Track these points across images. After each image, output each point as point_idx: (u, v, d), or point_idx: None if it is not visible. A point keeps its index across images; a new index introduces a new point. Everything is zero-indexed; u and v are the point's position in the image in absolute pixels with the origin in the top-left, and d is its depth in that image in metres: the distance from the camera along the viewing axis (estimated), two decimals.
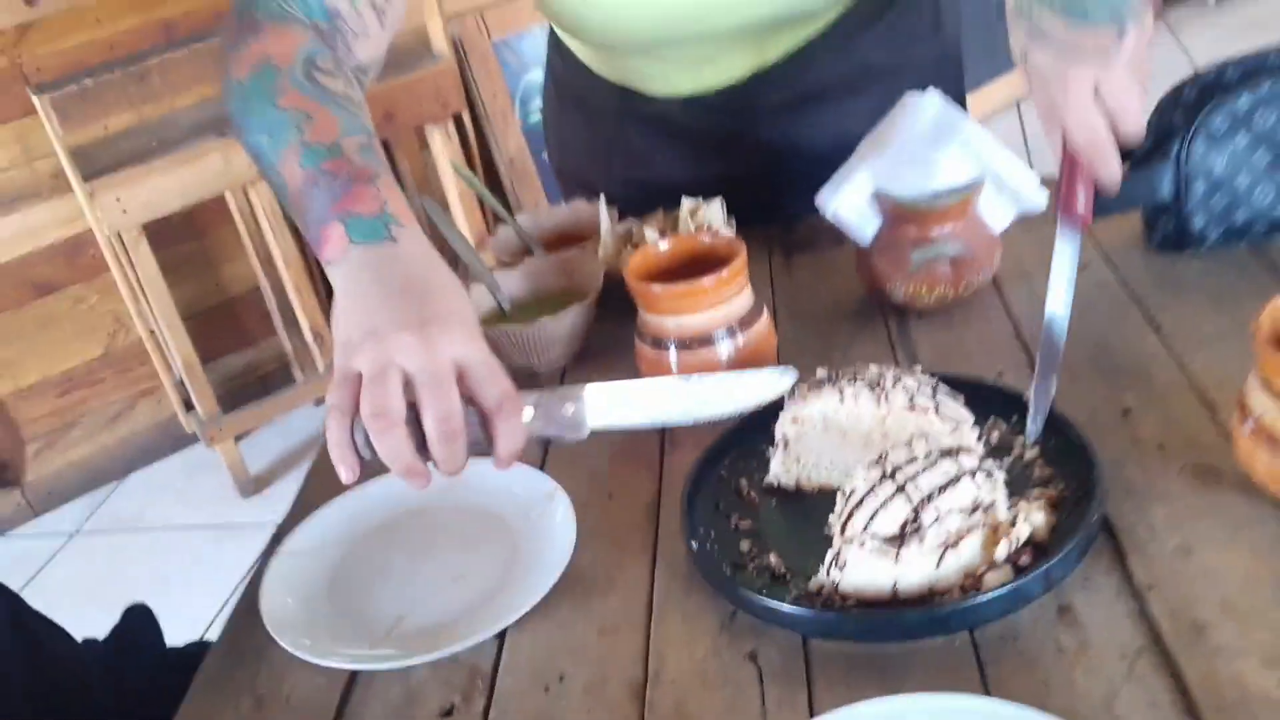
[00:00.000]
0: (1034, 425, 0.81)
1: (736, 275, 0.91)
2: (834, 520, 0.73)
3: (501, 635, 0.77)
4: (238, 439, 2.70)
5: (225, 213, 2.75)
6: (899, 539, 0.69)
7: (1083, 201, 0.87)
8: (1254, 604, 0.66)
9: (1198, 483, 0.76)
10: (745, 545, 0.79)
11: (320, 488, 0.98)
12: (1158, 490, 0.76)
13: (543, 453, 0.97)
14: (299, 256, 2.65)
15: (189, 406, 2.69)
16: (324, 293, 2.83)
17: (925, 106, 0.99)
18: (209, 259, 2.87)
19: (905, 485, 0.69)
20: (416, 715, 0.73)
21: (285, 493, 2.74)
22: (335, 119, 0.83)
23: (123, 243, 2.41)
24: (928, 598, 0.69)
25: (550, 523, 0.85)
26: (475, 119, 2.84)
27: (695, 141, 1.20)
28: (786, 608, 0.71)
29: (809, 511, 0.80)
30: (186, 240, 2.79)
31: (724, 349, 0.92)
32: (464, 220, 2.77)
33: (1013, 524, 0.71)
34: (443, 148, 2.74)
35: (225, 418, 2.63)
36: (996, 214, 1.01)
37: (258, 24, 0.89)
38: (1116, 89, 0.83)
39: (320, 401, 3.00)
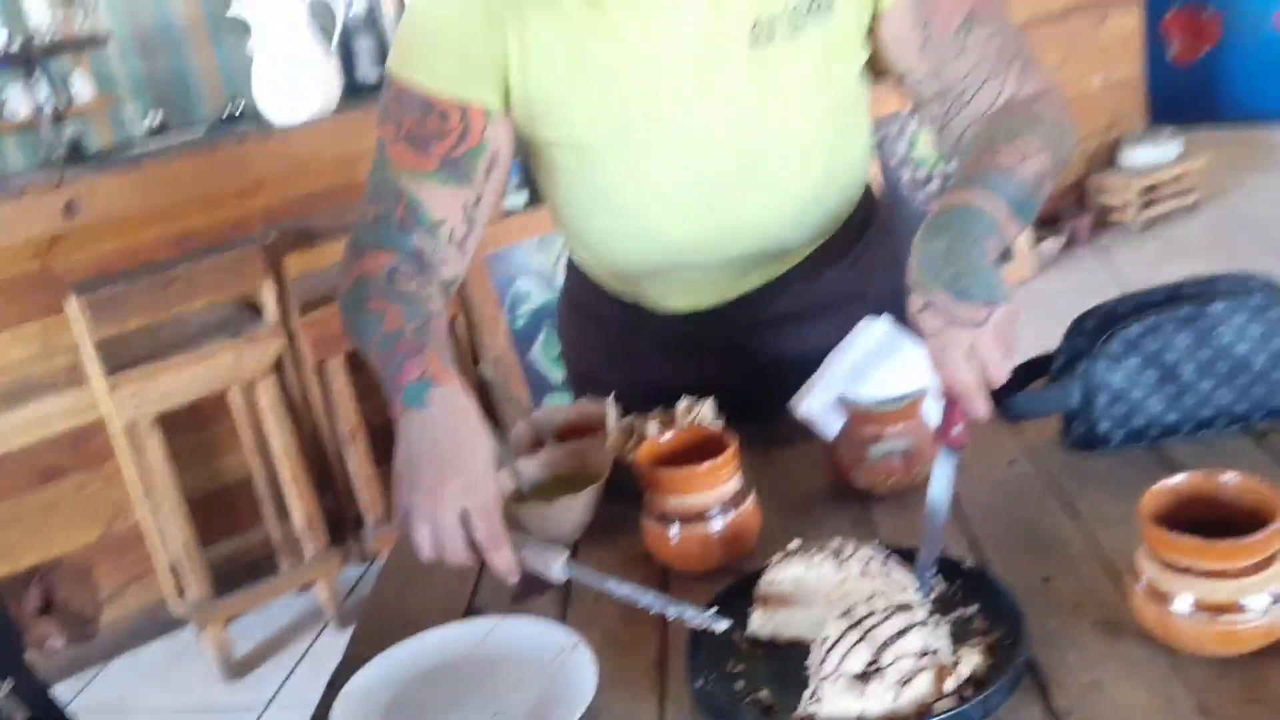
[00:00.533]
0: (922, 589, 1.00)
1: (729, 462, 1.11)
2: (811, 662, 0.90)
3: None
4: (227, 622, 2.79)
5: (226, 408, 2.92)
6: (864, 677, 0.87)
7: (957, 430, 1.06)
8: None
9: (1105, 633, 0.94)
10: (739, 685, 0.95)
11: (372, 638, 1.13)
12: (1073, 639, 0.94)
13: (563, 609, 1.13)
14: (296, 448, 2.82)
15: (180, 591, 2.79)
16: (319, 484, 2.98)
17: (878, 329, 1.21)
18: (208, 449, 3.02)
19: (867, 634, 0.87)
20: None
21: (269, 676, 2.81)
22: (402, 311, 1.11)
23: (134, 434, 2.57)
24: None
25: (574, 670, 1.01)
26: (469, 321, 3.07)
27: (691, 350, 1.42)
28: None
29: (786, 657, 0.97)
30: (188, 431, 2.95)
31: (717, 524, 1.11)
32: None
33: (955, 664, 0.88)
34: None
35: (217, 602, 2.73)
36: (938, 416, 1.22)
37: (361, 252, 1.20)
38: (985, 348, 1.01)
39: (304, 588, 3.11)
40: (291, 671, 2.85)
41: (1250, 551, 0.85)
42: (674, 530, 1.11)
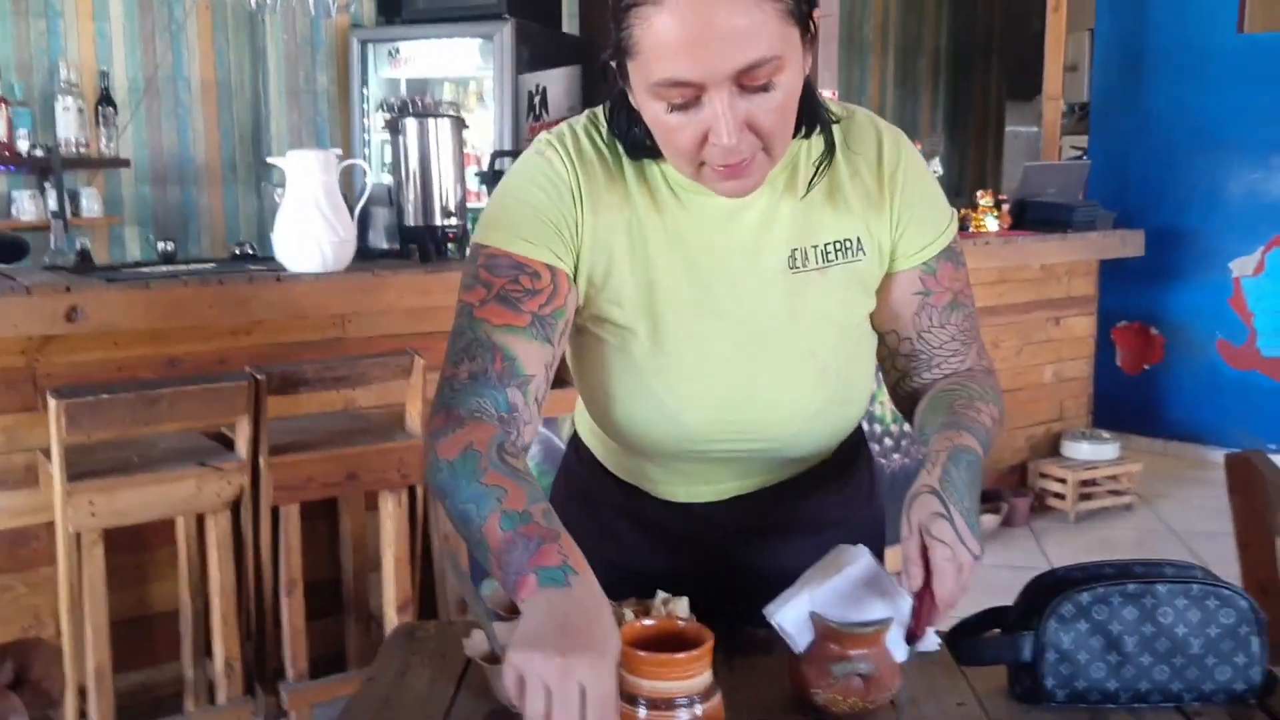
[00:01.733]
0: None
1: (706, 655, 1.17)
2: None
3: None
4: None
5: (170, 535, 2.91)
6: None
7: (926, 630, 1.24)
8: None
9: None
10: None
11: None
12: None
13: None
14: (234, 588, 2.79)
15: (83, 715, 2.69)
16: (246, 630, 2.93)
17: (857, 556, 1.30)
18: (142, 574, 2.98)
19: None
20: None
21: None
22: (524, 491, 1.16)
23: (79, 544, 2.55)
24: None
25: None
26: (425, 492, 3.11)
27: (678, 544, 1.49)
28: None
29: None
30: (126, 552, 2.92)
31: (684, 715, 1.16)
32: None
33: None
34: (391, 512, 2.98)
35: None
36: (900, 648, 1.29)
37: (461, 419, 1.24)
38: (967, 575, 1.20)
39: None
40: None
41: None
42: (642, 713, 1.16)
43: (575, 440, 1.62)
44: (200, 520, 2.83)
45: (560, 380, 1.38)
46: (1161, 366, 6.24)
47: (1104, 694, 1.29)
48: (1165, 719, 1.27)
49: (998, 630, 1.37)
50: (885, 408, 4.17)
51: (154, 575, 3.02)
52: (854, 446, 1.56)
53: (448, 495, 1.20)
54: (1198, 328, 6.05)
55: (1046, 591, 1.32)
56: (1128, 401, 6.18)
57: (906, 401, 1.46)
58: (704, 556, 1.48)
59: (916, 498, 1.21)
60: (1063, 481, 5.01)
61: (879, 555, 1.58)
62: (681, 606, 1.37)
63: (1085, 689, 1.29)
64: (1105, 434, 5.27)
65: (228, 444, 2.87)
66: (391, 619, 2.98)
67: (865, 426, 1.65)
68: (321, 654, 3.12)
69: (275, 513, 2.87)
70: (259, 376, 2.75)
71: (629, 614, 1.36)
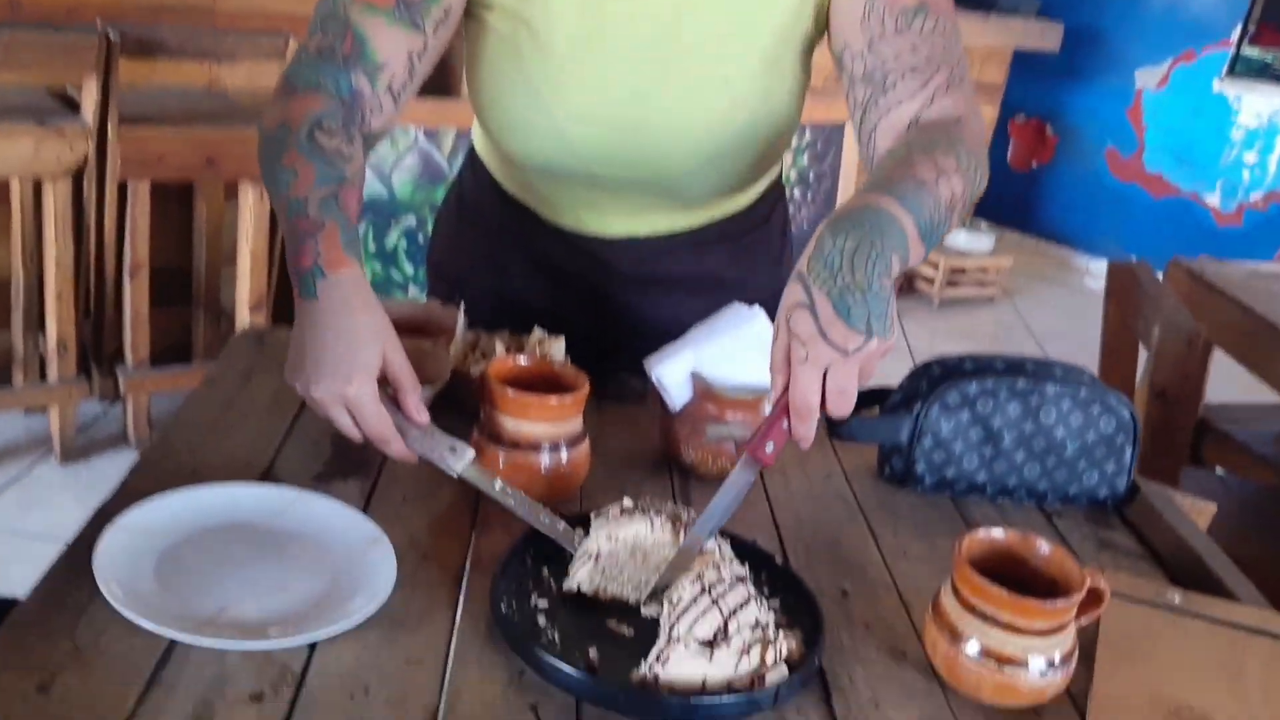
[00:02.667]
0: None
1: (579, 401, 1.09)
2: (662, 622, 0.90)
3: (313, 646, 0.88)
4: None
5: (5, 196, 2.66)
6: (712, 643, 0.87)
7: (771, 448, 0.98)
8: None
9: (890, 656, 0.98)
10: (541, 620, 0.94)
11: (151, 476, 1.04)
12: (860, 655, 0.98)
13: (366, 503, 1.08)
14: (71, 263, 2.60)
15: None
16: (85, 309, 2.76)
17: (751, 318, 1.22)
18: None
19: (718, 600, 0.87)
20: (228, 694, 0.82)
21: None
22: (314, 175, 1.01)
23: None
24: (716, 691, 0.87)
25: (371, 563, 0.96)
26: None
27: (563, 278, 1.39)
28: (571, 673, 0.86)
29: (596, 608, 0.96)
30: None
31: (547, 459, 1.09)
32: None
33: (774, 642, 0.90)
34: (251, 204, 2.78)
35: None
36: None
37: (294, 90, 1.09)
38: (841, 378, 0.94)
39: (32, 410, 2.87)
40: None
41: (1048, 615, 0.90)
42: (503, 454, 1.08)
43: (471, 155, 1.47)
44: (38, 187, 2.59)
45: (444, 89, 1.22)
46: (1050, 166, 6.28)
47: (971, 485, 1.28)
48: (1026, 516, 1.27)
49: (875, 409, 1.33)
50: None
51: None
52: (767, 203, 1.44)
53: (262, 175, 1.09)
54: (1091, 133, 6.07)
55: (933, 379, 1.28)
56: (1011, 196, 6.24)
57: (868, 153, 1.20)
58: (589, 298, 1.38)
59: (786, 287, 0.97)
60: (934, 266, 5.07)
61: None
62: (558, 347, 1.28)
63: (954, 478, 1.27)
64: (984, 224, 5.32)
65: (73, 106, 2.59)
66: (244, 318, 2.84)
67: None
68: (166, 344, 2.98)
69: (124, 190, 2.64)
70: (111, 34, 2.45)
71: (500, 347, 1.26)
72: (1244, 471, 2.54)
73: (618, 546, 0.98)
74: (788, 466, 1.29)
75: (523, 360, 1.14)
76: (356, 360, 0.99)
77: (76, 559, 0.91)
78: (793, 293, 0.96)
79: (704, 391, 1.20)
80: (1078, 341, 4.71)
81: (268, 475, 1.10)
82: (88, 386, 2.77)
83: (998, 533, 0.99)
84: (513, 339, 1.30)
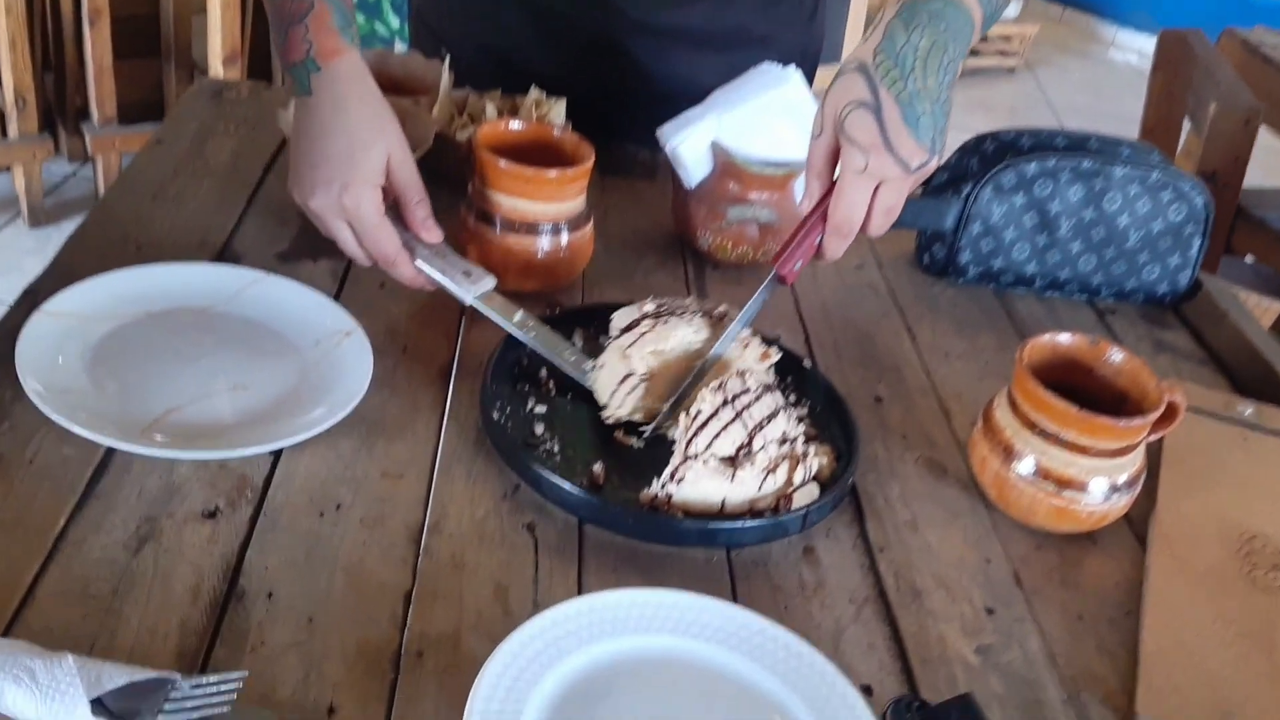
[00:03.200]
0: None
1: (582, 176, 0.94)
2: (677, 437, 0.78)
3: (278, 454, 0.76)
4: None
5: None
6: (733, 460, 0.76)
7: (799, 266, 0.85)
8: (960, 581, 0.78)
9: (929, 472, 0.87)
10: (539, 428, 0.82)
11: (86, 254, 0.90)
12: (897, 471, 0.87)
13: (338, 288, 0.95)
14: (23, 8, 2.36)
15: None
16: (40, 57, 2.53)
17: (784, 80, 1.05)
18: None
19: (742, 413, 0.75)
20: (175, 510, 0.71)
21: None
22: None
23: None
24: (736, 514, 0.76)
25: (343, 359, 0.84)
26: None
27: (564, 35, 1.20)
28: (572, 490, 0.75)
29: (590, 416, 0.84)
30: None
31: (545, 243, 0.94)
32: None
33: (805, 457, 0.79)
34: None
35: None
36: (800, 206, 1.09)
37: None
38: (893, 195, 0.82)
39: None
40: None
41: (1120, 435, 0.79)
42: (496, 235, 0.94)
43: None
44: None
45: None
46: None
47: (1019, 277, 1.14)
48: (1076, 312, 1.14)
49: (919, 190, 1.18)
50: None
51: None
52: None
53: None
54: None
55: (986, 157, 1.12)
56: None
57: None
58: (594, 53, 1.20)
59: (839, 77, 0.81)
60: None
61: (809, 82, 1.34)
62: (558, 111, 1.12)
63: (1001, 269, 1.14)
64: None
65: None
66: (216, 71, 2.62)
67: None
68: (136, 100, 2.77)
69: None
70: None
71: (491, 109, 1.10)
72: (1275, 261, 2.41)
73: (669, 357, 0.85)
74: None
75: (517, 125, 0.97)
76: (355, 164, 0.84)
77: (3, 351, 0.78)
78: (852, 86, 0.79)
79: (726, 166, 1.04)
80: (1098, 117, 4.49)
81: (224, 254, 0.96)
82: (52, 145, 2.58)
83: (1064, 338, 0.86)
84: (505, 101, 1.13)
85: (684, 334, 0.84)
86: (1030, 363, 0.83)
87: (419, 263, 0.88)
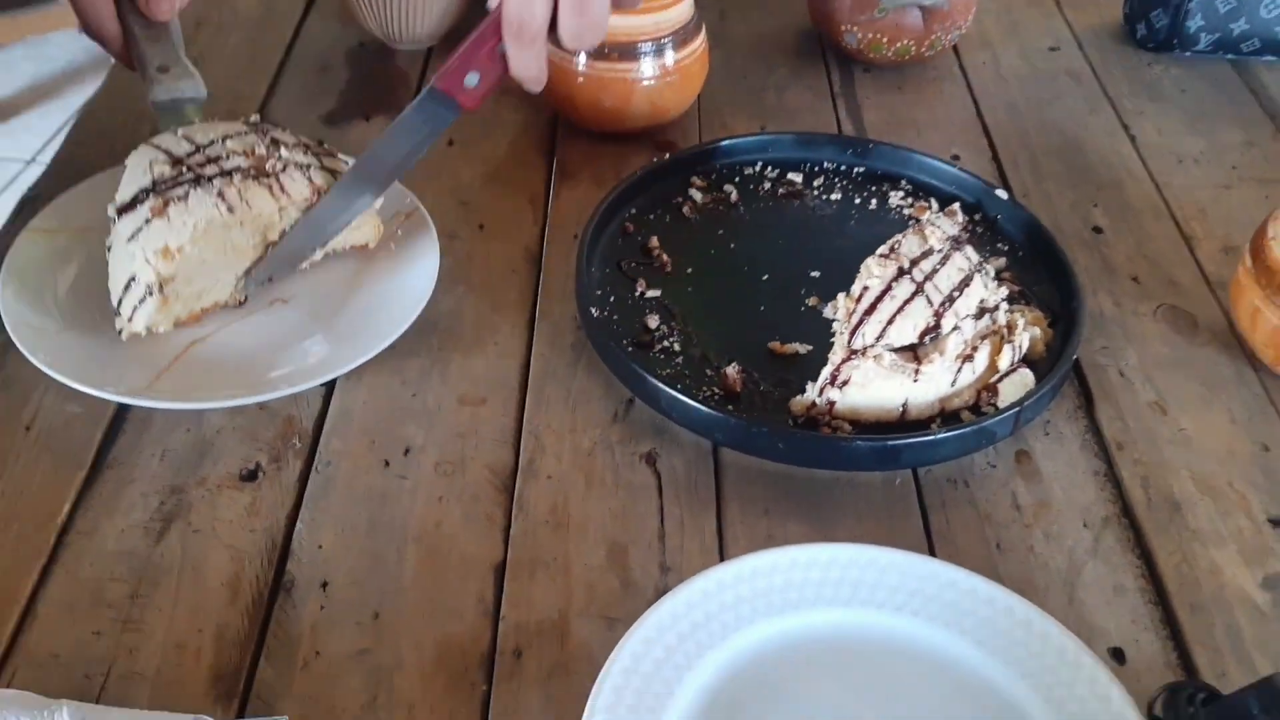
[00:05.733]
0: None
1: None
2: (837, 325, 0.59)
3: (330, 386, 0.60)
4: None
5: None
6: (917, 350, 0.56)
7: (475, 81, 0.58)
8: (1232, 482, 0.57)
9: (1174, 329, 0.66)
10: (653, 321, 0.63)
11: (92, 147, 0.74)
12: (1130, 330, 0.66)
13: None
14: None
15: None
16: None
17: None
18: None
19: (924, 284, 0.55)
20: (207, 475, 0.56)
21: (35, 127, 2.37)
22: None
23: None
24: (922, 420, 0.57)
25: (404, 251, 0.66)
26: None
27: None
28: (701, 407, 0.57)
29: (736, 289, 0.65)
30: None
31: (648, 67, 0.73)
32: None
33: (1011, 331, 0.59)
34: None
35: None
36: None
37: None
38: None
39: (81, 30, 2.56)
40: (66, 124, 2.40)
41: None
42: (582, 62, 0.73)
43: None
44: None
45: None
46: None
47: (1266, 42, 0.88)
48: None
49: None
50: None
51: None
52: None
53: None
54: None
55: None
56: None
57: None
58: None
59: None
60: None
61: None
62: None
63: (1242, 35, 0.87)
64: None
65: None
66: None
67: None
68: None
69: None
70: None
71: None
72: None
73: (200, 248, 0.60)
74: (992, 36, 0.91)
75: None
76: None
77: None
78: None
79: None
80: None
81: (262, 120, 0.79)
82: None
83: None
84: None
85: (209, 212, 0.59)
86: None
87: (131, 36, 0.67)
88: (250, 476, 0.56)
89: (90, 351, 0.59)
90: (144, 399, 0.57)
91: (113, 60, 0.72)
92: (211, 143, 0.62)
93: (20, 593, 0.51)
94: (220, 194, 0.60)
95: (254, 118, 0.67)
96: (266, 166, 0.61)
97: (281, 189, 0.61)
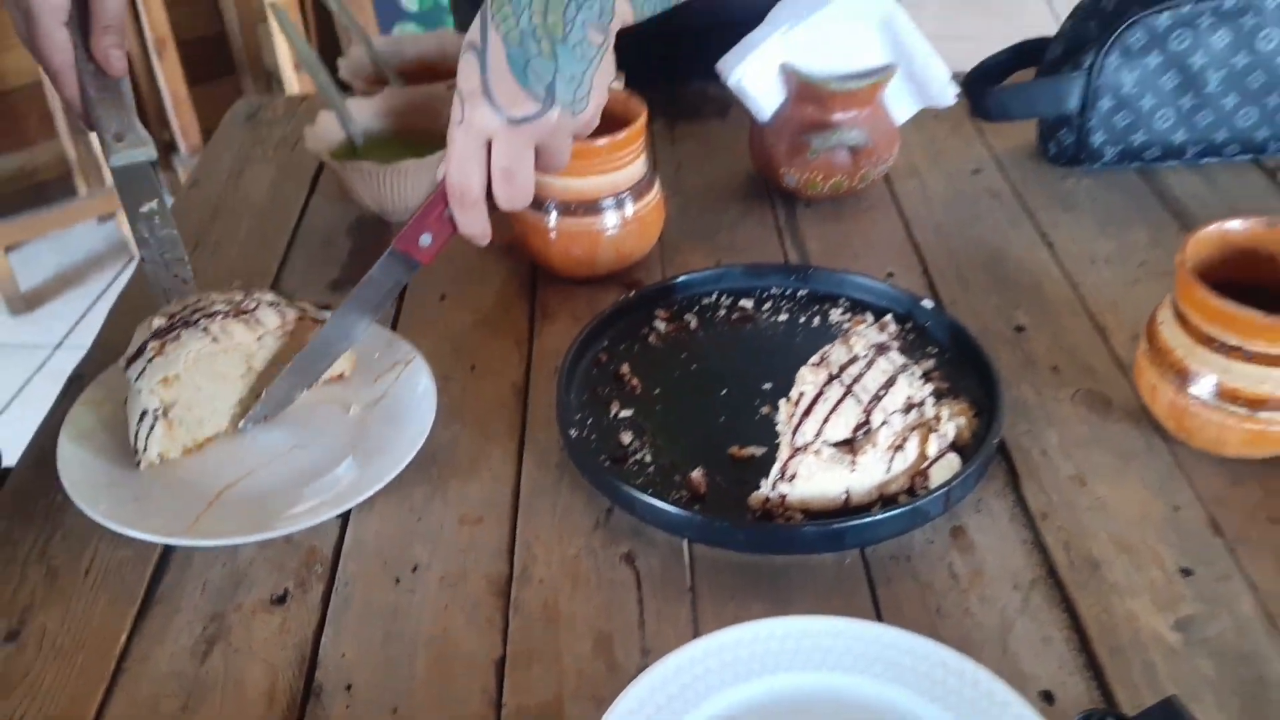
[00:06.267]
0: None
1: (635, 139, 0.82)
2: (781, 427, 0.67)
3: (345, 516, 0.69)
4: (7, 250, 2.43)
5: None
6: (851, 444, 0.65)
7: (428, 241, 0.70)
8: (1145, 540, 0.65)
9: (1090, 410, 0.74)
10: (626, 438, 0.72)
11: (128, 330, 0.84)
12: (1051, 414, 0.74)
13: (395, 312, 0.87)
14: None
15: None
16: None
17: None
18: None
19: (852, 386, 0.64)
20: (243, 601, 0.64)
21: (61, 313, 2.50)
22: None
23: None
24: (864, 505, 0.65)
25: (406, 393, 0.76)
26: None
27: None
28: (671, 509, 0.65)
29: (698, 404, 0.74)
30: None
31: (610, 219, 0.84)
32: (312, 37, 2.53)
33: (938, 422, 0.67)
34: None
35: None
36: (901, 104, 0.95)
37: None
38: (503, 155, 0.67)
39: (104, 218, 2.72)
40: (90, 309, 2.53)
41: None
42: (553, 220, 0.84)
43: None
44: None
45: None
46: None
47: (1166, 149, 0.98)
48: (1241, 177, 0.97)
49: (1031, 71, 1.03)
50: None
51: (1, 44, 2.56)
52: None
53: None
54: None
55: (1105, 16, 0.96)
56: None
57: None
58: None
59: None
60: None
61: None
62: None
63: (1144, 144, 0.98)
64: None
65: None
66: (290, 80, 2.59)
67: None
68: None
69: None
70: None
71: None
72: None
73: (194, 377, 0.72)
74: (920, 166, 1.01)
75: None
76: None
77: (46, 452, 0.73)
78: (471, 30, 0.66)
79: (801, 89, 0.92)
80: None
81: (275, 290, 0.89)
82: None
83: (1233, 225, 0.71)
84: None
85: (199, 345, 0.70)
86: (1195, 263, 0.69)
87: (88, 91, 0.75)
88: (280, 600, 0.64)
89: (138, 502, 0.68)
90: (185, 539, 0.66)
91: (134, 251, 0.83)
92: (199, 300, 0.74)
93: (87, 714, 0.58)
94: (205, 329, 0.71)
95: (235, 283, 0.77)
96: (243, 306, 0.73)
97: (257, 321, 0.73)
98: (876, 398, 0.66)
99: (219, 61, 2.77)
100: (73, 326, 2.48)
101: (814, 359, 0.68)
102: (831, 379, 0.66)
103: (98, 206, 2.55)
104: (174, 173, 2.63)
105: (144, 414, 0.70)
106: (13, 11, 0.75)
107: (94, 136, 0.81)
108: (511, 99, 0.65)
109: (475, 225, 0.69)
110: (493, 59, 0.65)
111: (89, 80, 0.76)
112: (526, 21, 0.64)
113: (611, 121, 0.83)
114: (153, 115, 2.60)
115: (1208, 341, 0.67)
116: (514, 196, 0.68)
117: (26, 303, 2.49)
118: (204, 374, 0.71)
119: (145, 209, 0.77)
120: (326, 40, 2.67)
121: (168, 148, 2.64)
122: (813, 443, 0.65)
